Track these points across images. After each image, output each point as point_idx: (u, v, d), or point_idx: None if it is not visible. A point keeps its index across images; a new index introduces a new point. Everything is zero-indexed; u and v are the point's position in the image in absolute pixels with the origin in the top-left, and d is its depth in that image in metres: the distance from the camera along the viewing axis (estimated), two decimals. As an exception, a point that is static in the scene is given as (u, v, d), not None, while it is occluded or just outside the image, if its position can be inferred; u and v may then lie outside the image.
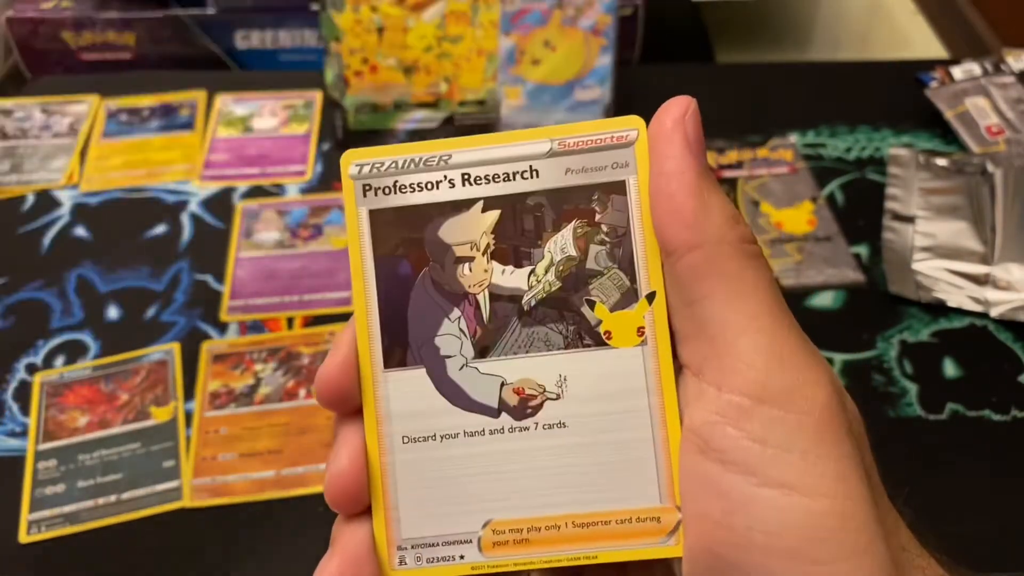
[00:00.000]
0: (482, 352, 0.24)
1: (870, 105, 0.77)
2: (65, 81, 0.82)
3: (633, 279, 0.24)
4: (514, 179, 0.24)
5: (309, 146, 0.74)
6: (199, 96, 0.79)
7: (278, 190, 0.71)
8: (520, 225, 0.24)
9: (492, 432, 0.24)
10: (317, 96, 0.79)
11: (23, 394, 0.57)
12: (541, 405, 0.24)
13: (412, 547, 0.24)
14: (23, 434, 0.55)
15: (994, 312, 0.60)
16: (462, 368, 0.24)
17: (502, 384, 0.24)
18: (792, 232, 0.67)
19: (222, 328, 0.61)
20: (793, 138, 0.74)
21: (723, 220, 0.22)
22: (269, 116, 0.77)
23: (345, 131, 0.74)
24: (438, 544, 0.24)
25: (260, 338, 0.60)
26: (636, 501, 0.24)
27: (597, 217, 0.24)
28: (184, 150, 0.74)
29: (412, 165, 0.25)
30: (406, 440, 0.24)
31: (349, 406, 0.24)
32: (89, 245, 0.67)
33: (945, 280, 0.62)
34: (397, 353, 0.24)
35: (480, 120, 0.73)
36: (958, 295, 0.61)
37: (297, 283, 0.64)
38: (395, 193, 0.25)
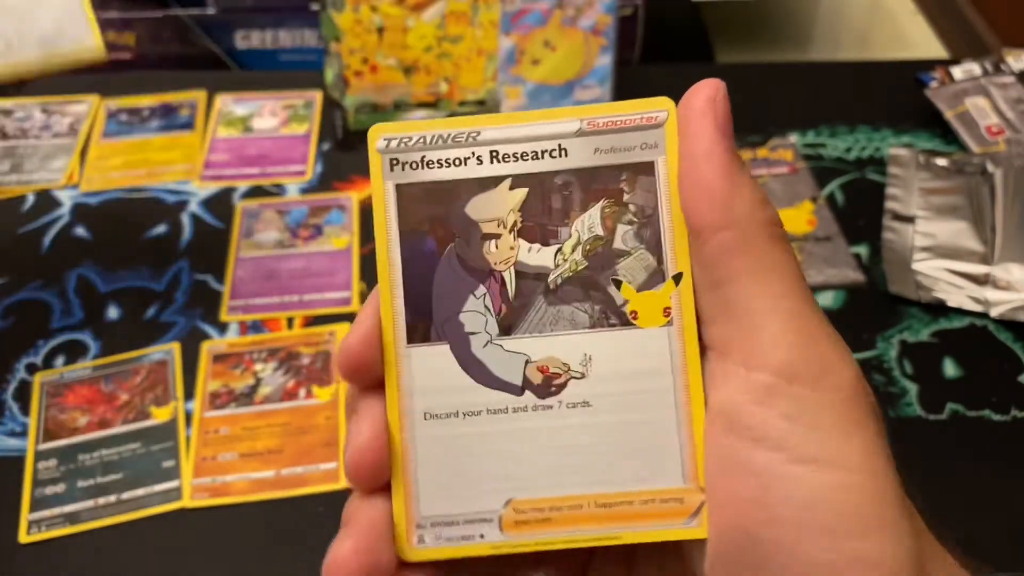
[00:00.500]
0: (507, 329, 0.24)
1: (870, 105, 0.77)
2: (65, 81, 0.82)
3: (660, 259, 0.24)
4: (542, 157, 0.24)
5: (309, 146, 0.74)
6: (199, 96, 0.79)
7: (278, 190, 0.71)
8: (548, 204, 0.24)
9: (515, 410, 0.24)
10: (317, 96, 0.79)
11: (23, 394, 0.57)
12: (565, 384, 0.24)
13: (432, 525, 0.24)
14: (23, 434, 0.55)
15: (994, 312, 0.60)
16: (486, 345, 0.24)
17: (526, 362, 0.24)
18: (792, 232, 0.66)
19: (222, 328, 0.61)
20: (793, 138, 0.74)
21: (753, 202, 0.22)
22: (269, 116, 0.77)
23: (345, 131, 0.74)
24: (458, 523, 0.24)
25: (260, 338, 0.60)
26: (659, 481, 0.24)
27: (625, 197, 0.24)
28: (184, 150, 0.74)
29: (440, 141, 0.24)
30: (428, 416, 0.24)
31: (370, 379, 0.24)
32: (89, 245, 0.67)
33: (945, 280, 0.62)
34: (420, 329, 0.24)
35: (480, 120, 0.73)
36: (958, 295, 0.61)
37: (297, 283, 0.64)
38: (422, 168, 0.24)
